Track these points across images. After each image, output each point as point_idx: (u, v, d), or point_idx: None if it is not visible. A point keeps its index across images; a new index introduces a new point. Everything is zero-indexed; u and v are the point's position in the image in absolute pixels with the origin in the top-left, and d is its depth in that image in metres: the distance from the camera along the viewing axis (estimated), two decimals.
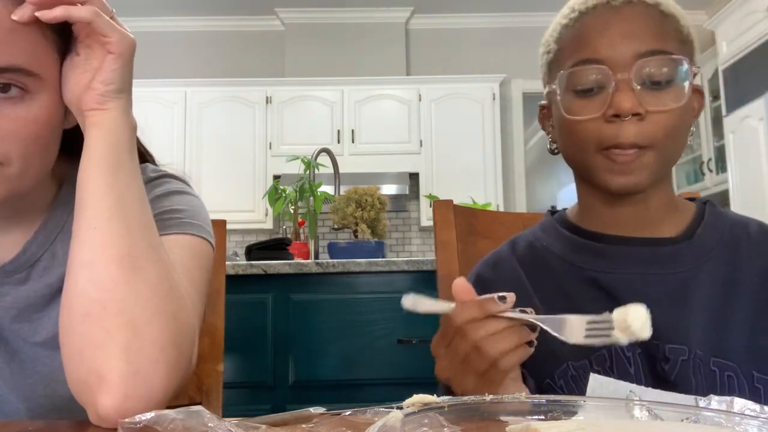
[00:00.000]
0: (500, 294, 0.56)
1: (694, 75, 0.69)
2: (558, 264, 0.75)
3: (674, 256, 0.70)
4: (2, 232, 0.68)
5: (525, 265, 0.78)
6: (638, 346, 0.67)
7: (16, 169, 0.59)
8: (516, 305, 0.57)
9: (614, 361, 0.68)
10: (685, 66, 0.67)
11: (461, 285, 0.59)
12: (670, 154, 0.69)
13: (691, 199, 0.78)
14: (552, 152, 0.78)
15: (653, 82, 0.66)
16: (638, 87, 0.65)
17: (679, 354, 0.65)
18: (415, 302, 0.58)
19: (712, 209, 0.75)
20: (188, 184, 0.77)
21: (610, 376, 0.67)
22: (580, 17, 0.70)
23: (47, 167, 0.65)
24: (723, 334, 0.66)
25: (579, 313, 0.55)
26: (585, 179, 0.74)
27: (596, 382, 0.63)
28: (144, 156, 0.79)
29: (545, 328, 0.55)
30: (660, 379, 0.66)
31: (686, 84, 0.67)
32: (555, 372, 0.70)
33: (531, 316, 0.56)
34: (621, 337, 0.52)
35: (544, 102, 0.78)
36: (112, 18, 0.60)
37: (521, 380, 0.64)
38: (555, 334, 0.55)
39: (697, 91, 0.72)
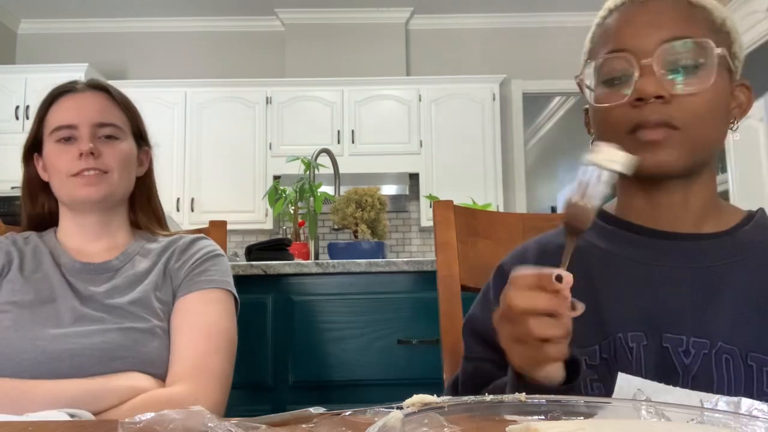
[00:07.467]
0: (559, 273, 0.55)
1: (733, 62, 0.69)
2: (588, 250, 0.74)
3: (711, 249, 0.70)
4: (98, 239, 1.08)
5: (549, 252, 0.76)
6: (646, 338, 0.67)
7: (115, 178, 1.03)
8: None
9: (616, 349, 0.67)
10: (712, 48, 0.66)
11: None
12: (702, 137, 0.68)
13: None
14: None
15: (678, 65, 0.66)
16: (663, 72, 0.66)
17: (701, 348, 0.65)
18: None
19: (764, 213, 0.75)
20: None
21: (612, 365, 0.66)
22: (609, 15, 0.73)
23: (129, 186, 1.08)
24: (763, 329, 0.65)
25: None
26: None
27: (624, 380, 0.62)
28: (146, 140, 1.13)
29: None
30: (666, 372, 0.65)
31: (713, 67, 0.66)
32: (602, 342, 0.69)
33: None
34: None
35: (587, 106, 0.78)
36: None
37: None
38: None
39: (743, 85, 0.73)
